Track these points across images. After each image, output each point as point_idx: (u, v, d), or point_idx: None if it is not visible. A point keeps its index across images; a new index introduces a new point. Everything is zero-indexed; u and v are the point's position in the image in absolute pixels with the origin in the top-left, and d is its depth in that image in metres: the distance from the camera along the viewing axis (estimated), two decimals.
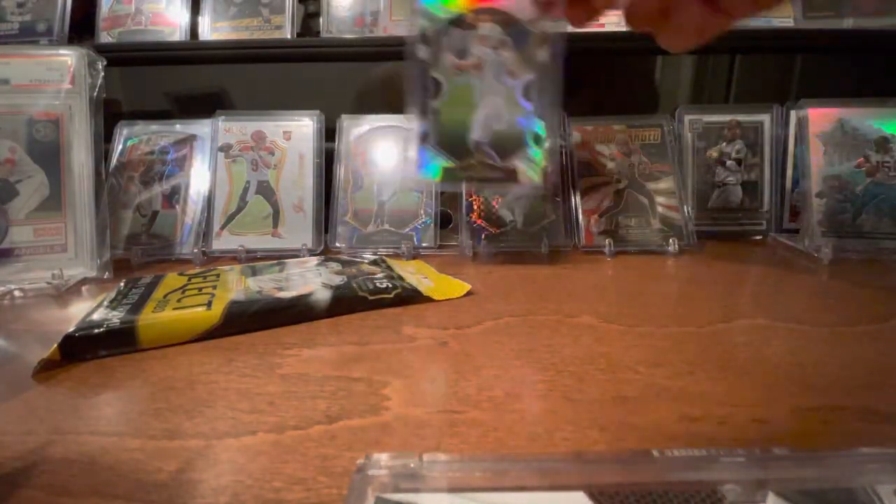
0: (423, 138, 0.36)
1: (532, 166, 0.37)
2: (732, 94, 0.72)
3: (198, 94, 0.74)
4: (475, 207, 0.52)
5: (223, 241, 0.51)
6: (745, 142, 0.56)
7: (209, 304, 0.33)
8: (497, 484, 0.16)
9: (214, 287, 0.36)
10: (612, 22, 0.61)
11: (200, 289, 0.36)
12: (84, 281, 0.44)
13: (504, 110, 0.36)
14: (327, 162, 0.54)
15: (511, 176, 0.37)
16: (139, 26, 0.63)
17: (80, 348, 0.30)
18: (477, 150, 0.37)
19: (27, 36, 0.60)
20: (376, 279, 0.38)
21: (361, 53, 0.61)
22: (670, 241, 0.50)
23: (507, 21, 0.36)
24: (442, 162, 0.37)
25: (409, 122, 0.37)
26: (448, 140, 0.37)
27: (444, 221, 0.53)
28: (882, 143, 0.50)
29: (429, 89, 0.36)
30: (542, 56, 0.35)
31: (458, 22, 0.36)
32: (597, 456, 0.19)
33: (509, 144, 0.37)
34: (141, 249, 0.50)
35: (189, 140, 0.55)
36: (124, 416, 0.24)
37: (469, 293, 0.39)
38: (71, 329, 0.30)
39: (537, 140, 0.36)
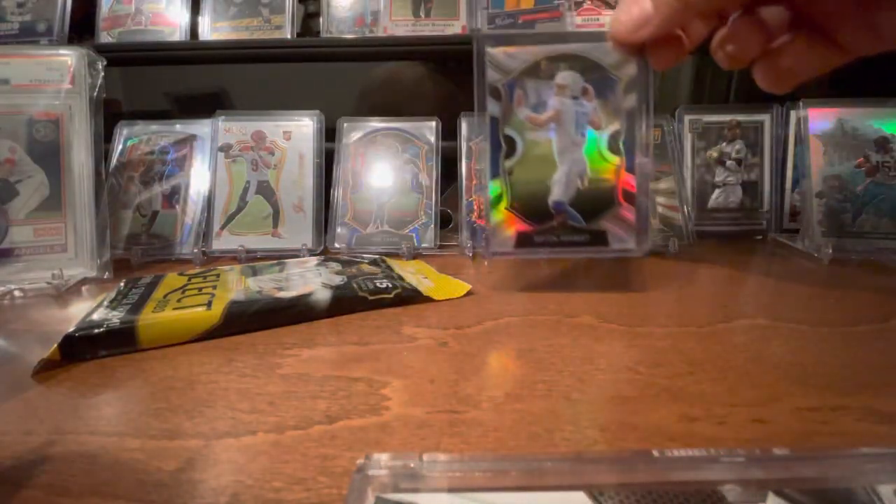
0: (497, 202, 0.33)
1: (623, 227, 0.33)
2: (732, 94, 0.72)
3: (198, 94, 0.74)
4: (475, 207, 0.52)
5: (223, 241, 0.51)
6: (745, 142, 0.56)
7: (209, 304, 0.33)
8: (497, 484, 0.16)
9: (214, 287, 0.36)
10: None
11: (200, 289, 0.36)
12: (84, 281, 0.44)
13: (588, 166, 0.32)
14: (327, 162, 0.54)
15: (600, 239, 0.33)
16: (139, 26, 0.63)
17: (80, 348, 0.30)
18: (558, 213, 0.33)
19: (27, 36, 0.60)
20: (376, 279, 0.38)
21: (361, 53, 0.62)
22: (670, 241, 0.50)
23: (587, 67, 0.32)
24: (519, 228, 0.33)
25: (480, 183, 0.34)
26: (525, 203, 0.34)
27: (444, 221, 0.53)
28: (882, 143, 0.50)
29: (501, 148, 0.33)
30: (630, 103, 0.32)
31: (531, 71, 0.32)
32: (597, 456, 0.19)
33: (596, 204, 0.33)
34: (141, 249, 0.50)
35: (189, 140, 0.55)
36: (124, 416, 0.24)
37: (469, 293, 0.39)
38: (71, 329, 0.30)
39: (628, 198, 0.32)
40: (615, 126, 0.32)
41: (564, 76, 0.32)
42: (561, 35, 0.44)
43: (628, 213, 0.33)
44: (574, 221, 0.33)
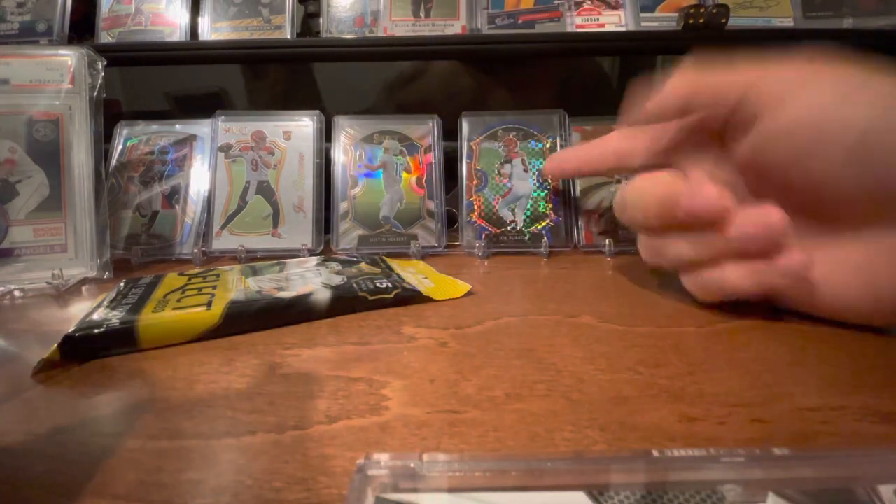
0: (345, 216, 0.52)
1: (428, 232, 0.51)
2: None
3: (198, 94, 0.74)
4: (475, 207, 0.52)
5: (223, 241, 0.51)
6: None
7: (209, 304, 0.33)
8: (497, 484, 0.16)
9: (214, 287, 0.36)
10: (611, 22, 0.61)
11: (200, 289, 0.36)
12: (84, 281, 0.44)
13: (403, 195, 0.53)
14: (326, 162, 0.54)
15: (413, 238, 0.51)
16: (139, 26, 0.63)
17: (80, 348, 0.30)
18: (385, 223, 0.52)
19: (27, 36, 0.60)
20: (376, 279, 0.38)
21: (361, 53, 0.61)
22: None
23: (402, 137, 0.54)
24: (359, 232, 0.51)
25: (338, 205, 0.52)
26: (364, 217, 0.52)
27: (450, 221, 0.53)
28: None
29: (347, 182, 0.53)
30: (429, 159, 0.54)
31: (367, 139, 0.54)
32: (597, 456, 0.19)
33: (409, 218, 0.52)
34: (141, 249, 0.50)
35: (189, 140, 0.55)
36: (124, 416, 0.24)
37: (469, 293, 0.39)
38: (71, 329, 0.30)
39: (430, 214, 0.52)
40: (420, 173, 0.53)
41: (389, 143, 0.54)
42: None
43: (430, 224, 0.52)
44: (396, 229, 0.52)
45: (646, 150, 0.39)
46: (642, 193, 0.36)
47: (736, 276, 0.32)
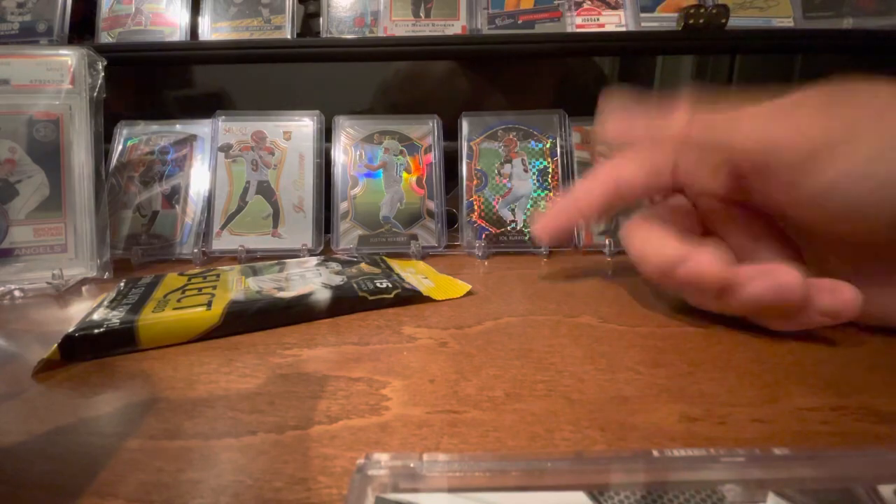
0: (345, 216, 0.52)
1: (428, 232, 0.52)
2: None
3: (198, 94, 0.74)
4: (475, 207, 0.52)
5: (223, 242, 0.51)
6: None
7: (209, 305, 0.33)
8: (497, 484, 0.16)
9: (214, 287, 0.36)
10: (611, 22, 0.61)
11: (200, 289, 0.36)
12: (84, 281, 0.44)
13: (404, 195, 0.53)
14: (327, 162, 0.54)
15: (413, 239, 0.51)
16: (139, 26, 0.63)
17: (80, 348, 0.30)
18: (385, 223, 0.52)
19: (27, 36, 0.60)
20: (376, 279, 0.38)
21: (361, 53, 0.61)
22: None
23: (402, 137, 0.55)
24: (359, 232, 0.52)
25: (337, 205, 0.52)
26: (364, 217, 0.52)
27: (450, 221, 0.54)
28: None
29: (347, 182, 0.53)
30: (429, 159, 0.54)
31: (368, 139, 0.55)
32: (597, 456, 0.19)
33: (409, 218, 0.52)
34: (141, 249, 0.50)
35: (189, 140, 0.55)
36: (124, 416, 0.24)
37: (469, 293, 0.39)
38: (71, 329, 0.30)
39: (430, 214, 0.52)
40: (420, 173, 0.53)
41: (389, 143, 0.54)
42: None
43: (430, 224, 0.52)
44: (396, 228, 0.52)
45: (644, 183, 0.34)
46: (637, 253, 0.33)
47: (776, 325, 0.31)
